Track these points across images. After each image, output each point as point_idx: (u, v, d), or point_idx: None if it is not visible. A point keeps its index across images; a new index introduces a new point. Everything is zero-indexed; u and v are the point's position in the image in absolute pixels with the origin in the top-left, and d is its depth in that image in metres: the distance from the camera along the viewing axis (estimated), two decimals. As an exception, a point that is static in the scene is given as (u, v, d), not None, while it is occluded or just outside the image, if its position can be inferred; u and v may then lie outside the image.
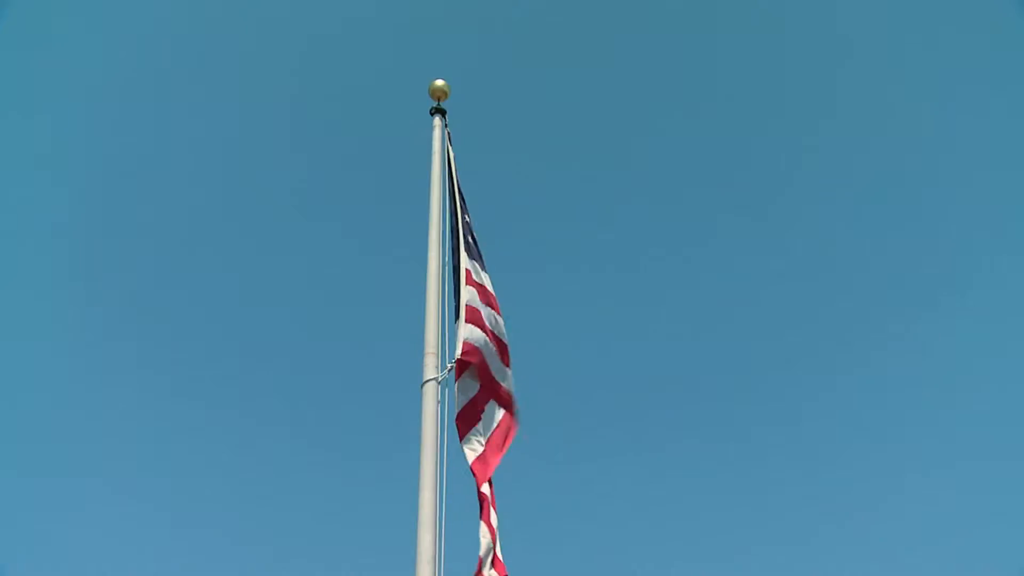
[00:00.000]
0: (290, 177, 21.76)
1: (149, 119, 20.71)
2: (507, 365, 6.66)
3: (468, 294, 6.63)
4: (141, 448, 18.01)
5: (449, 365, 6.18)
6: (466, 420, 6.21)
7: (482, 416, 6.33)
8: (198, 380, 19.67)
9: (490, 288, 6.93)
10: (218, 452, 18.79)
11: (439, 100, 7.88)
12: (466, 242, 7.04)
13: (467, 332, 6.38)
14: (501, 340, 6.71)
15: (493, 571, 5.67)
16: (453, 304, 6.72)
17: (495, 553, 5.77)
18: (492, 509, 5.92)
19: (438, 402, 5.93)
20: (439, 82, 7.94)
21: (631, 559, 17.11)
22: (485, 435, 6.24)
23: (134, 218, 20.52)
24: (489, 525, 5.82)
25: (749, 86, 22.45)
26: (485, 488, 5.95)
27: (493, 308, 6.81)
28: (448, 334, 6.45)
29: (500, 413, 6.44)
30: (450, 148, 7.68)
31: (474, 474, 5.96)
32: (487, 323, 6.64)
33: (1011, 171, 18.99)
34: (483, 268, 7.03)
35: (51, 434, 17.22)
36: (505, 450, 6.30)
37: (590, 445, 19.58)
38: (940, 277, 20.21)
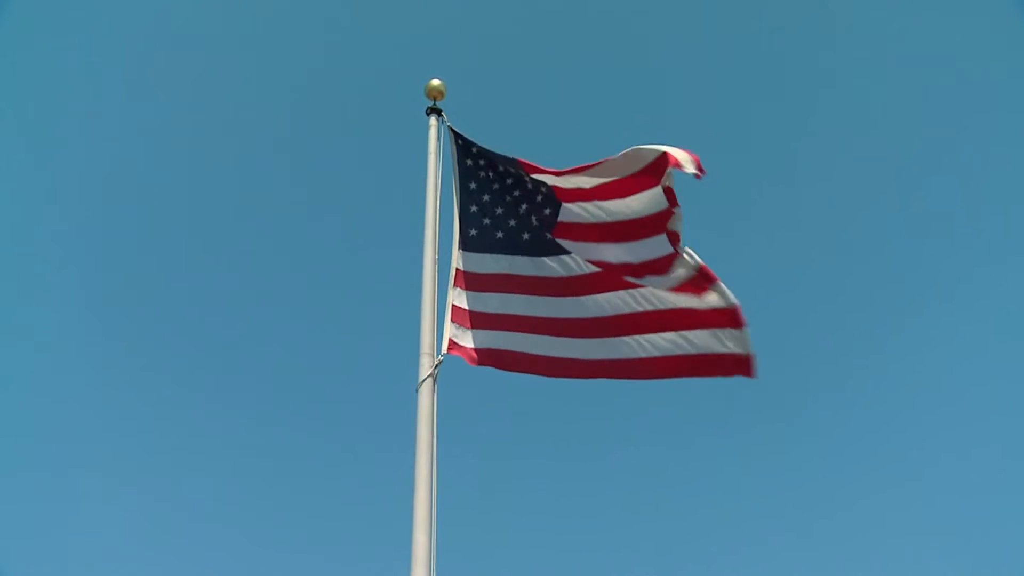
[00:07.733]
0: (288, 175, 21.78)
1: (147, 118, 20.73)
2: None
3: (455, 295, 6.79)
4: (138, 445, 18.03)
5: (438, 359, 6.20)
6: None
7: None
8: (195, 378, 19.69)
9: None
10: (217, 450, 18.81)
11: (435, 100, 7.85)
12: (463, 235, 7.06)
13: (452, 331, 6.60)
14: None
15: None
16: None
17: None
18: None
19: (434, 403, 5.94)
20: (435, 82, 7.90)
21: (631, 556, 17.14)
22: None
23: (132, 216, 20.55)
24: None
25: (747, 82, 22.49)
26: None
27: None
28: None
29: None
30: (454, 144, 7.57)
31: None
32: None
33: (1011, 170, 19.01)
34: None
35: (50, 432, 17.25)
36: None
37: (588, 442, 19.60)
38: (940, 274, 20.24)
